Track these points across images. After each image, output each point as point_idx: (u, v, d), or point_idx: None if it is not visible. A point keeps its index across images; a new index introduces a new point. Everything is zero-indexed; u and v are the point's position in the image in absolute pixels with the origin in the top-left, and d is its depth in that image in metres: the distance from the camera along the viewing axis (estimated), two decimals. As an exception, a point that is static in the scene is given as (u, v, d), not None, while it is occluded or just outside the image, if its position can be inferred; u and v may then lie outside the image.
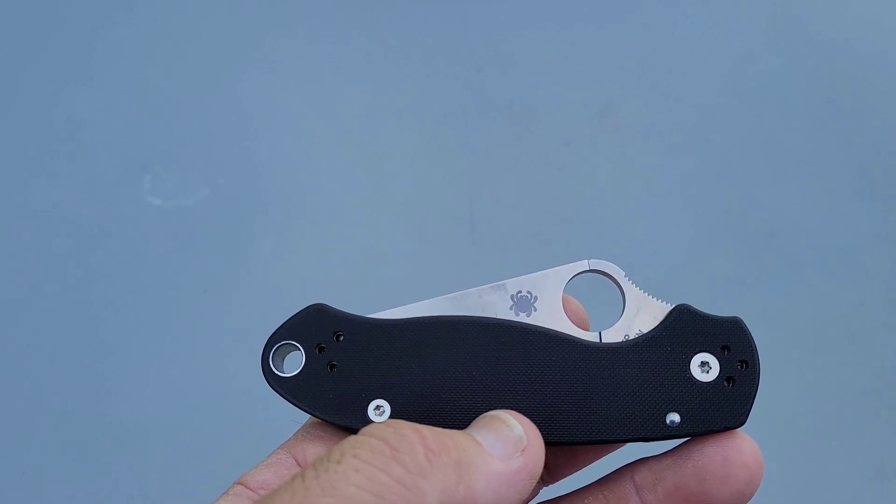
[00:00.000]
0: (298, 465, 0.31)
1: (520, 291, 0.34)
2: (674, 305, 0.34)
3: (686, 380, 0.32)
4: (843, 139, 1.01)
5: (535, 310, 0.34)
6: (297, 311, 0.33)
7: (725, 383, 0.33)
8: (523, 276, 0.34)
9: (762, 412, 0.89)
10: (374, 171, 0.98)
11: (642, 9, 1.08)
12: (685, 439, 0.33)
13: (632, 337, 0.33)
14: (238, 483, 0.30)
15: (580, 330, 0.34)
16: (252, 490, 0.30)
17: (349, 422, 0.32)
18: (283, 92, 1.03)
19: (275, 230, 0.93)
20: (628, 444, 0.35)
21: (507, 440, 0.29)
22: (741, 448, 0.31)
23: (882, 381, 0.88)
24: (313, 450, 0.32)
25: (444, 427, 0.28)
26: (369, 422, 0.31)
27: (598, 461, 0.36)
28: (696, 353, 0.33)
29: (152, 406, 0.84)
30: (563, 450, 0.30)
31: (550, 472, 0.36)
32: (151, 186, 0.97)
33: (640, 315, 0.34)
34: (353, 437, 0.26)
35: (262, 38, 1.06)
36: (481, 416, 0.30)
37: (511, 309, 0.34)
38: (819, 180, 0.98)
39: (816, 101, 1.03)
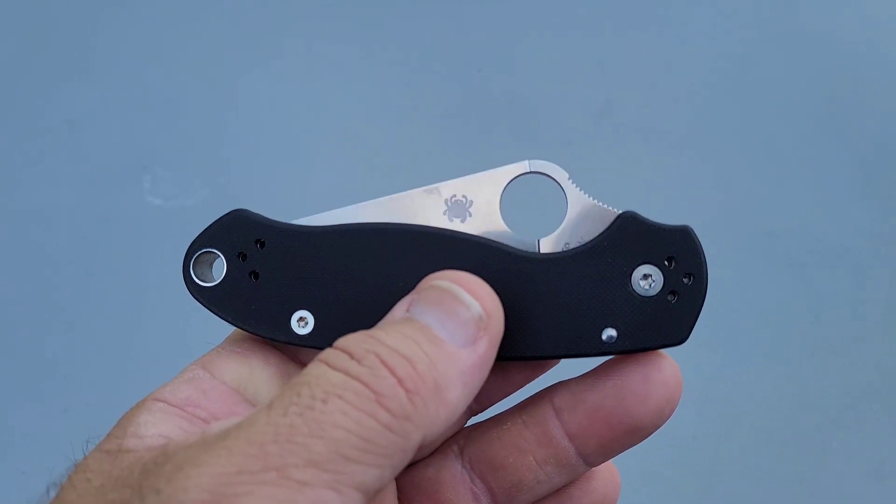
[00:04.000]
0: (215, 379, 0.30)
1: (454, 195, 0.32)
2: (619, 212, 0.31)
3: (626, 293, 0.30)
4: (843, 139, 1.01)
5: (471, 215, 0.31)
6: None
7: (669, 297, 0.30)
8: (459, 179, 0.32)
9: (762, 412, 0.90)
10: (375, 170, 0.98)
11: (642, 9, 1.08)
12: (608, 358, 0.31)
13: (573, 246, 0.31)
14: (155, 398, 0.29)
15: (518, 238, 0.31)
16: (175, 406, 0.28)
17: (272, 334, 0.31)
18: (283, 92, 1.03)
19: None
20: (557, 363, 0.34)
21: (468, 323, 0.27)
22: (661, 366, 0.31)
23: (882, 381, 0.88)
24: (229, 366, 0.31)
25: None
26: (293, 334, 0.30)
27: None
28: (640, 265, 0.30)
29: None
30: (494, 374, 0.28)
31: (479, 401, 0.34)
32: (151, 186, 0.97)
33: (584, 222, 0.31)
34: (329, 373, 0.25)
35: (262, 38, 1.06)
36: (429, 283, 0.28)
37: (444, 214, 0.32)
38: (819, 180, 0.98)
39: (816, 101, 1.03)
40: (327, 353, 0.26)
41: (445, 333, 0.27)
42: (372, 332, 0.27)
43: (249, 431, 0.24)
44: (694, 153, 1.00)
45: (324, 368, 0.25)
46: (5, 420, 0.86)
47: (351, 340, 0.26)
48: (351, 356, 0.25)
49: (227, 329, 0.33)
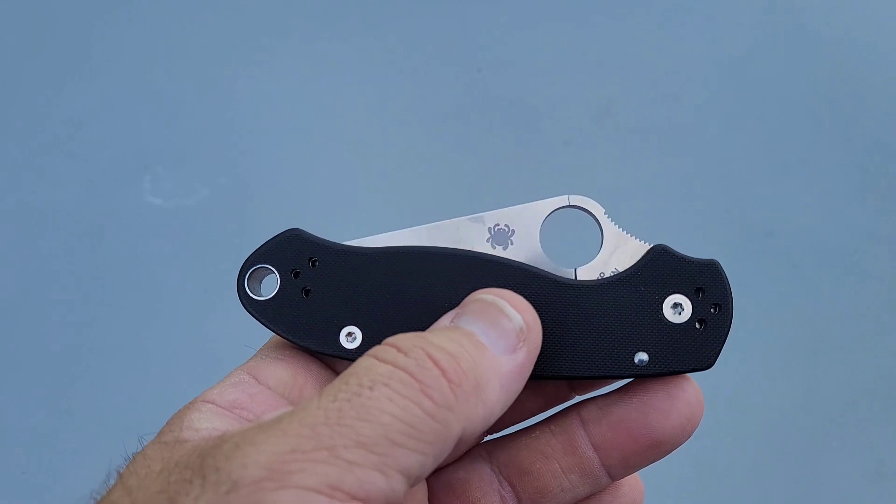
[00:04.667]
0: (260, 384, 0.32)
1: (497, 224, 0.34)
2: (651, 245, 0.34)
3: (657, 320, 0.32)
4: (842, 139, 1.01)
5: (512, 243, 0.34)
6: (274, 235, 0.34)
7: (697, 325, 0.33)
8: (502, 209, 0.34)
9: (762, 412, 0.90)
10: (375, 170, 0.98)
11: (642, 9, 1.08)
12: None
13: (607, 275, 0.33)
14: (204, 401, 0.30)
15: (556, 266, 0.33)
16: (223, 408, 0.30)
17: (321, 347, 0.33)
18: (283, 92, 1.03)
19: (275, 230, 0.93)
20: (572, 399, 0.36)
21: (510, 333, 0.29)
22: (683, 387, 0.33)
23: (882, 381, 0.88)
24: (273, 372, 0.32)
25: None
26: (341, 348, 0.32)
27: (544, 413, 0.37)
28: (670, 294, 0.33)
29: (153, 405, 0.84)
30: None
31: (496, 423, 0.36)
32: (151, 186, 0.97)
33: (617, 253, 0.34)
34: (376, 364, 0.27)
35: (262, 38, 1.06)
36: (475, 297, 0.31)
37: (488, 241, 0.34)
38: (819, 180, 0.98)
39: (816, 101, 1.03)
40: (376, 349, 0.28)
41: (488, 340, 0.29)
42: (420, 333, 0.28)
43: (302, 415, 0.25)
44: (694, 153, 1.00)
45: (371, 361, 0.27)
46: (5, 420, 0.86)
47: (400, 337, 0.28)
48: (398, 350, 0.27)
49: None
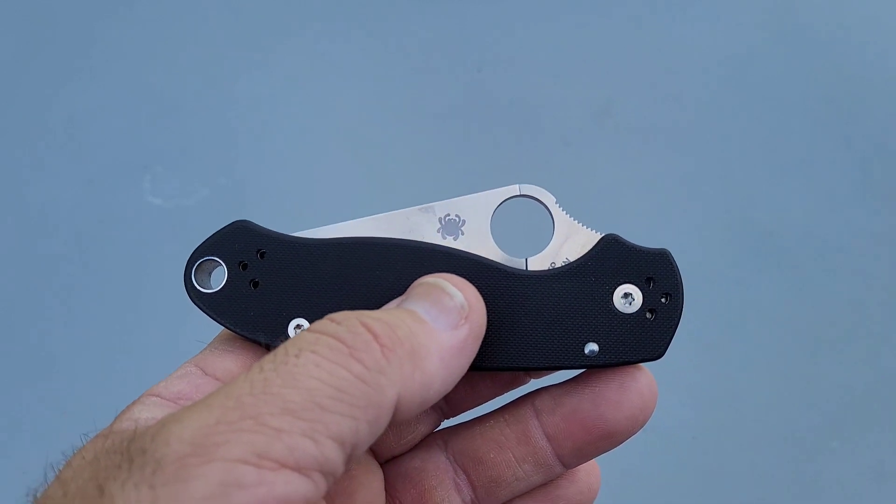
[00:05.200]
0: (207, 376, 0.31)
1: (448, 214, 0.34)
2: (602, 235, 0.33)
3: (608, 310, 0.32)
4: (842, 139, 1.01)
5: (463, 234, 0.33)
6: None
7: (647, 315, 0.32)
8: (452, 199, 0.34)
9: (762, 412, 0.90)
10: (375, 170, 0.98)
11: (642, 9, 1.08)
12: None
13: (558, 265, 0.33)
14: (149, 394, 0.30)
15: (507, 256, 0.33)
16: (168, 400, 0.30)
17: (269, 339, 0.32)
18: (283, 92, 1.03)
19: (275, 230, 0.93)
20: (527, 382, 0.36)
21: (451, 310, 0.29)
22: (636, 377, 0.32)
23: (882, 381, 0.88)
24: (222, 364, 0.32)
25: None
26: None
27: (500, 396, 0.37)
28: (620, 284, 0.32)
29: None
30: (463, 384, 0.29)
31: (451, 405, 0.36)
32: (151, 186, 0.97)
33: (569, 243, 0.33)
34: (306, 334, 0.26)
35: (262, 38, 1.06)
36: (419, 282, 0.31)
37: (438, 232, 0.33)
38: (819, 180, 0.98)
39: (816, 101, 1.03)
40: (313, 323, 0.27)
41: (429, 317, 0.29)
42: (361, 310, 0.28)
43: (228, 388, 0.25)
44: (694, 153, 1.00)
45: (303, 332, 0.27)
46: (5, 420, 0.86)
47: (338, 312, 0.28)
48: (331, 320, 0.27)
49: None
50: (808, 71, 1.05)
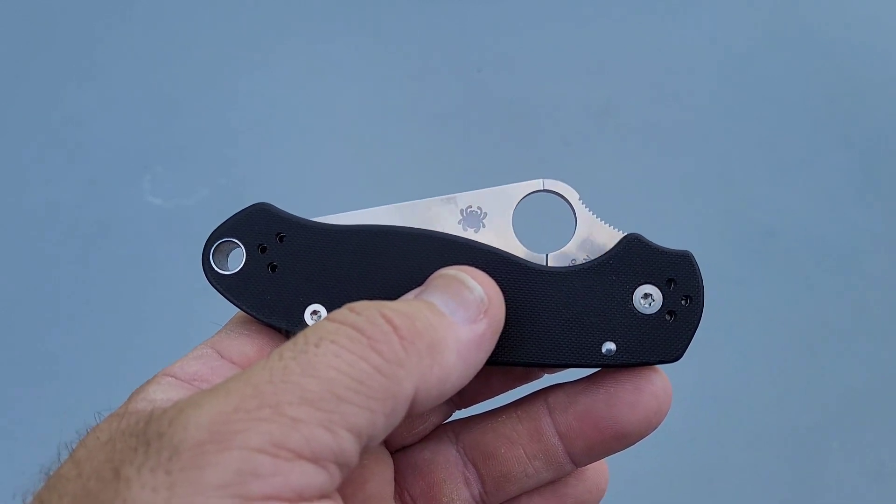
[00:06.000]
0: (223, 358, 0.31)
1: (470, 206, 0.33)
2: (625, 234, 0.33)
3: (627, 310, 0.32)
4: (843, 139, 1.01)
5: (484, 226, 0.33)
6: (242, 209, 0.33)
7: (667, 317, 0.32)
8: (475, 191, 0.33)
9: (762, 412, 0.90)
10: (374, 170, 0.98)
11: (642, 9, 1.08)
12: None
13: (579, 262, 0.33)
14: (165, 374, 0.30)
15: (527, 251, 0.33)
16: (184, 381, 0.29)
17: (285, 324, 0.32)
18: (283, 92, 1.03)
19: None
20: (540, 377, 0.35)
21: (470, 304, 0.29)
22: (652, 379, 0.32)
23: (882, 381, 0.88)
24: (238, 347, 0.32)
25: None
26: (305, 326, 0.31)
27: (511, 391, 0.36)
28: (641, 284, 0.32)
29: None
30: (476, 376, 0.29)
31: (463, 397, 0.36)
32: (151, 186, 0.97)
33: (590, 240, 0.33)
34: (326, 323, 0.26)
35: (262, 38, 1.06)
36: (439, 273, 0.30)
37: (459, 223, 0.33)
38: (819, 180, 0.98)
39: (816, 101, 1.03)
40: (333, 312, 0.27)
41: (448, 310, 0.28)
42: (381, 301, 0.28)
43: (247, 375, 0.24)
44: (694, 153, 1.00)
45: (323, 321, 0.26)
46: (5, 420, 0.86)
47: (357, 301, 0.27)
48: (351, 310, 0.27)
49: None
50: (809, 71, 1.05)
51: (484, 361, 0.29)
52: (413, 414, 0.26)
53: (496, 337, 0.29)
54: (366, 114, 1.01)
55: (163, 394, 0.28)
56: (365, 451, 0.25)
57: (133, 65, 1.04)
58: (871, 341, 0.90)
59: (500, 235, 0.33)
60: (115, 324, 0.90)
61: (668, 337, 0.32)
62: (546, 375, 0.36)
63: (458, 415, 0.36)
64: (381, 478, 0.34)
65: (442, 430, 0.35)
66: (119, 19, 1.07)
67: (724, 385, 0.87)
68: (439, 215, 0.33)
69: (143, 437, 0.24)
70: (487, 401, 0.36)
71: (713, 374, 0.88)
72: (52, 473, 0.26)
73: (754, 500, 0.84)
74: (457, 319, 0.28)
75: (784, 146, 1.00)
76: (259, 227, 0.33)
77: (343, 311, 0.27)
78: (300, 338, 0.25)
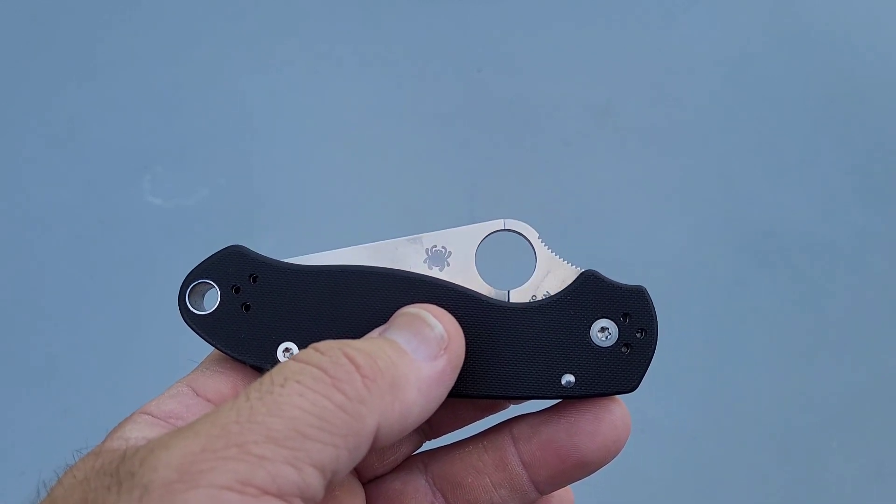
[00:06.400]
0: (198, 396, 0.32)
1: (435, 246, 0.35)
2: (582, 270, 0.35)
3: (585, 343, 0.33)
4: (842, 139, 1.01)
5: (449, 265, 0.35)
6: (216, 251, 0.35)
7: (623, 349, 0.34)
8: (440, 231, 0.35)
9: (762, 412, 0.90)
10: (374, 170, 0.98)
11: (642, 9, 1.08)
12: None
13: (539, 298, 0.34)
14: (141, 412, 0.31)
15: (490, 288, 0.35)
16: (159, 419, 0.31)
17: (259, 361, 0.33)
18: (283, 92, 1.03)
19: (275, 230, 0.93)
20: (507, 407, 0.37)
21: (430, 341, 0.30)
22: (611, 409, 0.34)
23: (882, 381, 0.88)
24: (213, 384, 0.33)
25: None
26: (277, 363, 0.32)
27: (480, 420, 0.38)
28: (598, 319, 0.34)
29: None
30: (444, 408, 0.31)
31: (433, 427, 0.38)
32: (151, 186, 0.97)
33: (550, 277, 0.35)
34: (291, 364, 0.27)
35: (262, 38, 1.06)
36: (401, 311, 0.32)
37: (425, 262, 0.35)
38: (818, 180, 0.98)
39: (816, 102, 1.03)
40: (299, 352, 0.28)
41: (409, 347, 0.30)
42: (346, 340, 0.29)
43: (215, 416, 0.25)
44: (694, 153, 1.00)
45: (288, 361, 0.28)
46: (5, 421, 0.86)
47: (322, 341, 0.29)
48: (315, 350, 0.28)
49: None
50: (808, 71, 1.05)
51: (444, 395, 0.30)
52: (377, 447, 0.27)
53: (456, 372, 0.31)
54: (366, 113, 1.01)
55: (138, 432, 0.29)
56: (330, 485, 0.26)
57: (133, 65, 1.04)
58: (871, 341, 0.90)
59: (463, 273, 0.35)
60: (115, 324, 0.90)
61: (625, 368, 0.33)
62: (512, 406, 0.37)
63: (429, 445, 0.38)
64: None
65: (412, 461, 0.37)
66: (119, 19, 1.07)
67: (723, 385, 0.87)
68: (406, 255, 0.35)
69: (116, 477, 0.25)
70: (456, 431, 0.38)
71: (713, 375, 0.88)
72: None
73: (754, 499, 0.84)
74: (418, 356, 0.29)
75: (783, 146, 1.00)
76: (233, 268, 0.34)
77: (308, 352, 0.28)
78: (266, 378, 0.27)
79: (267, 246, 0.91)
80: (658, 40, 1.06)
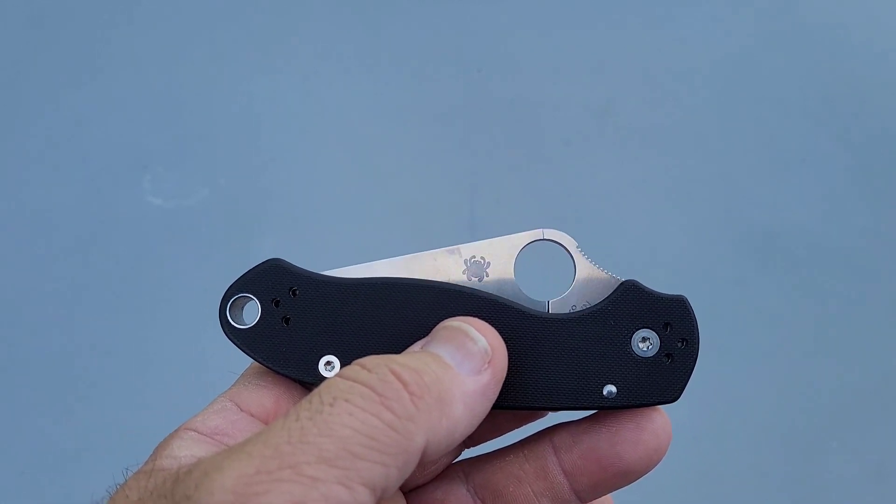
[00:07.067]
0: (242, 411, 0.32)
1: (473, 256, 0.35)
2: (622, 280, 0.34)
3: (626, 354, 0.33)
4: (842, 139, 1.01)
5: (487, 275, 0.35)
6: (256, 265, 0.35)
7: (664, 359, 0.34)
8: (478, 242, 0.35)
9: (762, 412, 0.90)
10: (375, 170, 0.98)
11: (642, 9, 1.08)
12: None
13: (579, 308, 0.34)
14: (187, 428, 0.31)
15: (529, 298, 0.34)
16: (206, 435, 0.31)
17: (300, 375, 0.33)
18: (283, 92, 1.03)
19: (275, 230, 0.93)
20: (545, 416, 0.37)
21: (475, 355, 0.30)
22: (653, 418, 0.34)
23: (882, 381, 0.88)
24: (257, 399, 0.33)
25: None
26: (319, 376, 0.33)
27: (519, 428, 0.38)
28: (639, 329, 0.34)
29: (152, 406, 0.84)
30: (484, 419, 0.31)
31: (472, 437, 0.37)
32: (151, 186, 0.97)
33: (589, 287, 0.34)
34: (338, 381, 0.27)
35: (263, 38, 1.06)
36: (443, 325, 0.32)
37: (464, 273, 0.35)
38: (819, 180, 0.98)
39: (816, 101, 1.03)
40: (344, 369, 0.28)
41: (453, 361, 0.30)
42: (389, 355, 0.29)
43: (266, 436, 0.26)
44: (694, 153, 1.00)
45: (335, 379, 0.28)
46: (5, 421, 0.86)
47: (367, 357, 0.29)
48: (362, 367, 0.28)
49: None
50: (808, 71, 1.05)
51: (489, 409, 0.30)
52: (424, 463, 0.28)
53: (500, 385, 0.31)
54: (365, 113, 1.01)
55: (186, 450, 0.30)
56: (380, 501, 0.26)
57: (134, 65, 1.04)
58: (871, 341, 0.90)
59: (502, 284, 0.35)
60: (115, 324, 0.90)
61: (667, 378, 0.33)
62: (550, 414, 0.37)
63: (468, 453, 0.38)
64: None
65: (452, 470, 0.37)
66: (120, 20, 1.07)
67: (723, 385, 0.87)
68: (445, 266, 0.35)
69: (172, 499, 0.25)
70: (495, 439, 0.38)
71: (713, 375, 0.88)
72: None
73: (754, 500, 0.84)
74: (462, 371, 0.30)
75: (784, 146, 1.00)
76: (273, 282, 0.34)
77: (354, 369, 0.28)
78: (315, 397, 0.27)
79: (267, 246, 0.91)
80: (658, 40, 1.06)
